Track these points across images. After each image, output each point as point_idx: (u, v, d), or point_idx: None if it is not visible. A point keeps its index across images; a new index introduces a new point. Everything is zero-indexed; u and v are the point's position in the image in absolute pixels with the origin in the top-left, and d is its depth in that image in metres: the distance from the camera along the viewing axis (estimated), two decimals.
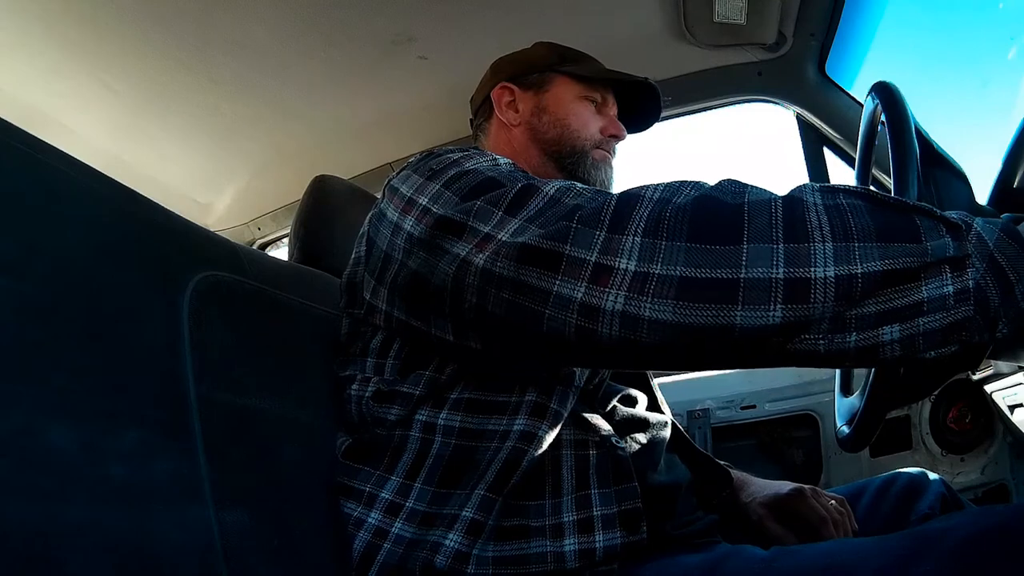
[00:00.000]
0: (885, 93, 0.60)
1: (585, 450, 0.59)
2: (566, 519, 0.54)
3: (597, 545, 0.53)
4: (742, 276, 0.43)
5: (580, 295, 0.47)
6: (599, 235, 0.48)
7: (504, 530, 0.54)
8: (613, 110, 0.91)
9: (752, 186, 0.49)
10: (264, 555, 0.54)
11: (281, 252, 1.99)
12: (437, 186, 0.59)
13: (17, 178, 0.48)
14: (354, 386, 0.66)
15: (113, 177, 0.57)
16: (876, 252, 0.43)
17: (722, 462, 0.84)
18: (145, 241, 0.57)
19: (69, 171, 0.53)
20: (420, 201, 0.60)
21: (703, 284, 0.44)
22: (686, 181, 0.50)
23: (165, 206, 0.62)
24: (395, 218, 0.62)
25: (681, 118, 1.52)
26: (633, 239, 0.46)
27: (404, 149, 1.63)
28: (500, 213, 0.53)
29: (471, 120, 0.97)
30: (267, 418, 0.61)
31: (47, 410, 0.43)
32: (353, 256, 0.70)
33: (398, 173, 0.67)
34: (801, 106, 1.38)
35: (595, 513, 0.55)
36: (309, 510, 0.60)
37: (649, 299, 0.45)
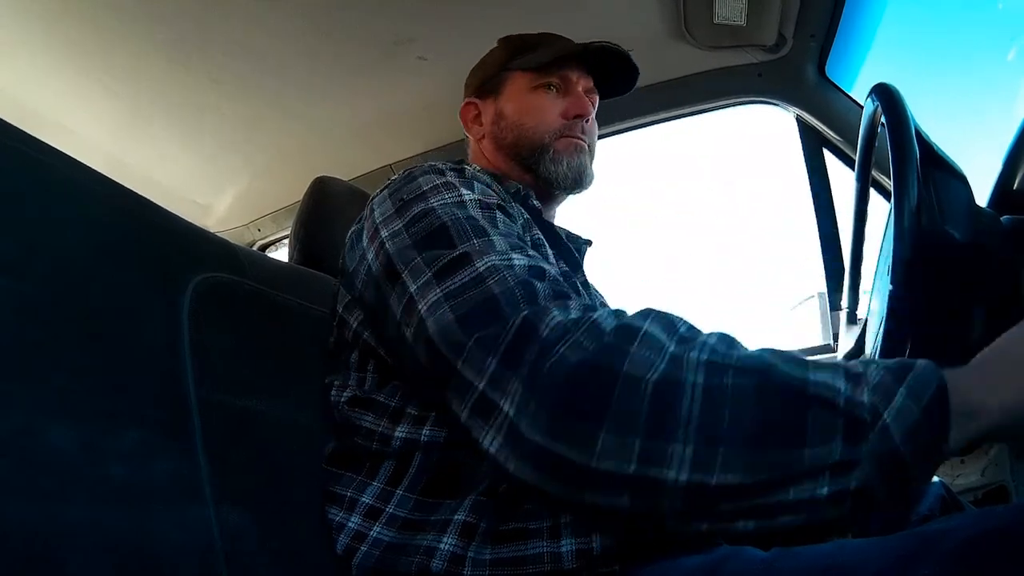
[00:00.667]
0: (885, 95, 0.60)
1: None
2: (563, 519, 0.54)
3: (594, 545, 0.53)
4: (592, 466, 0.43)
5: (464, 416, 0.50)
6: (491, 363, 0.48)
7: (501, 533, 0.54)
8: (579, 86, 0.85)
9: (643, 347, 0.46)
10: (264, 555, 0.53)
11: (281, 253, 1.99)
12: (399, 223, 0.61)
13: (17, 179, 0.48)
14: (333, 392, 0.66)
15: (113, 178, 0.57)
16: (740, 461, 0.41)
17: None
18: (145, 242, 0.57)
19: (69, 172, 0.54)
20: (382, 234, 0.61)
21: (557, 462, 0.45)
22: (602, 320, 0.48)
23: (165, 207, 0.62)
24: (364, 244, 0.64)
25: (681, 120, 1.52)
26: (516, 385, 0.47)
27: (405, 150, 1.63)
28: (429, 275, 0.55)
29: None
30: (266, 419, 0.61)
31: (47, 410, 0.43)
32: (340, 265, 0.71)
33: (381, 190, 0.67)
34: (801, 107, 1.38)
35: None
36: (308, 511, 0.60)
37: (515, 458, 0.47)
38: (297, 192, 1.01)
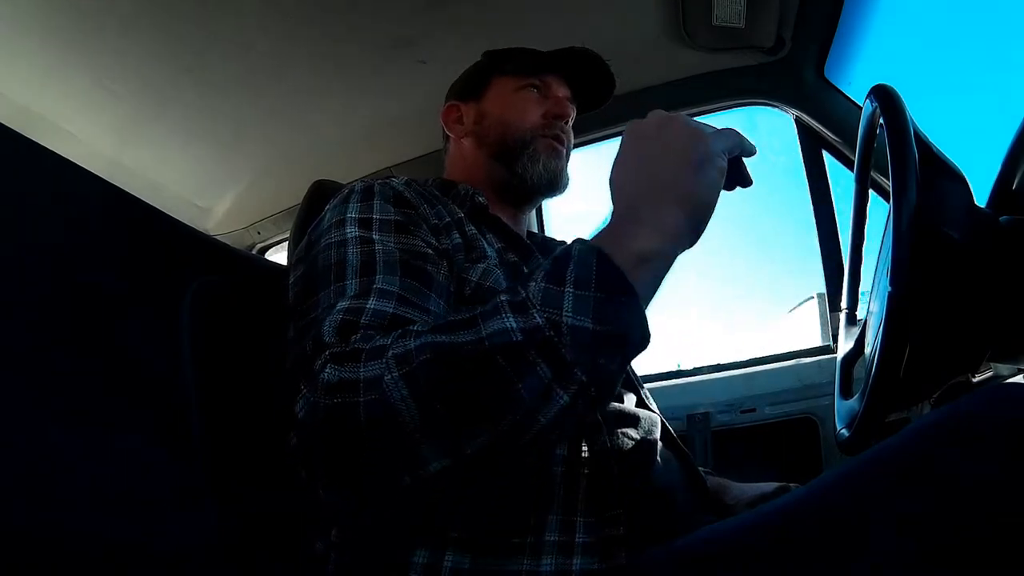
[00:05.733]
0: (884, 96, 0.60)
1: (577, 469, 0.57)
2: (548, 538, 0.54)
3: (575, 568, 0.53)
4: (370, 495, 0.49)
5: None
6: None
7: (483, 546, 0.54)
8: (560, 91, 0.89)
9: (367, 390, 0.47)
10: (264, 555, 0.53)
11: (281, 256, 1.99)
12: (306, 254, 0.64)
13: (18, 182, 0.48)
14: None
15: (113, 182, 0.57)
16: (479, 428, 0.45)
17: (702, 469, 0.83)
18: (145, 245, 0.57)
19: (70, 176, 0.54)
20: (296, 256, 0.66)
21: (344, 496, 0.51)
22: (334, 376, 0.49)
23: (165, 210, 0.62)
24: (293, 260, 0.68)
25: None
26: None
27: (404, 153, 1.63)
28: (293, 325, 0.59)
29: None
30: (266, 420, 0.61)
31: (47, 411, 0.43)
32: None
33: (330, 201, 0.69)
34: (800, 109, 1.39)
35: (577, 540, 0.54)
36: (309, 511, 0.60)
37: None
38: (297, 195, 1.01)
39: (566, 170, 0.87)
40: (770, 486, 0.81)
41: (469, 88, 0.92)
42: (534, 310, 0.45)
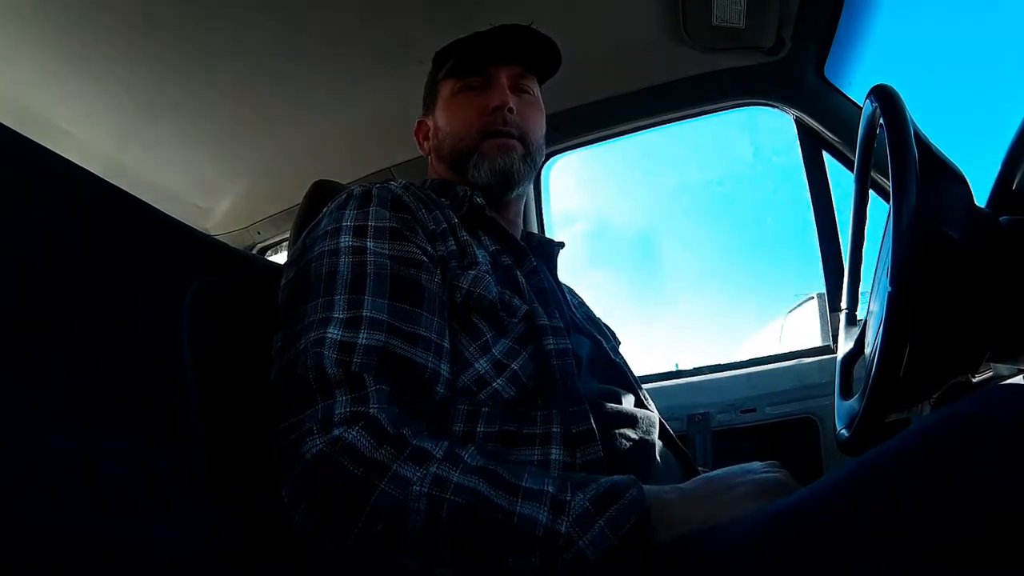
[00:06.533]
0: (884, 96, 0.60)
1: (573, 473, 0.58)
2: None
3: None
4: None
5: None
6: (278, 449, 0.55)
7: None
8: (501, 80, 0.84)
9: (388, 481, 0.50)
10: (264, 555, 0.53)
11: (281, 256, 1.99)
12: (299, 258, 0.65)
13: (18, 183, 0.48)
14: None
15: (113, 182, 0.57)
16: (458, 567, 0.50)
17: (702, 468, 0.83)
18: (145, 245, 0.57)
19: (69, 176, 0.54)
20: (290, 259, 0.68)
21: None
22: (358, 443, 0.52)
23: (165, 210, 0.62)
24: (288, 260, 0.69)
25: (681, 122, 1.52)
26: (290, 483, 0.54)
27: (404, 154, 1.63)
28: (280, 334, 0.61)
29: None
30: (266, 420, 0.61)
31: (46, 411, 0.43)
32: None
33: (330, 205, 0.69)
34: (800, 109, 1.39)
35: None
36: None
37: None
38: (297, 195, 1.01)
39: (521, 163, 0.82)
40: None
41: (427, 100, 0.92)
42: (566, 519, 0.50)
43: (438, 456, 0.52)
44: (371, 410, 0.53)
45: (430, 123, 0.90)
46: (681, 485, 0.57)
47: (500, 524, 0.49)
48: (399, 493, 0.49)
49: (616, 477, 0.54)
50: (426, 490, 0.50)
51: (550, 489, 0.52)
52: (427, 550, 0.50)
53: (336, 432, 0.52)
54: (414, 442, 0.52)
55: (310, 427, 0.52)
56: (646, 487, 0.53)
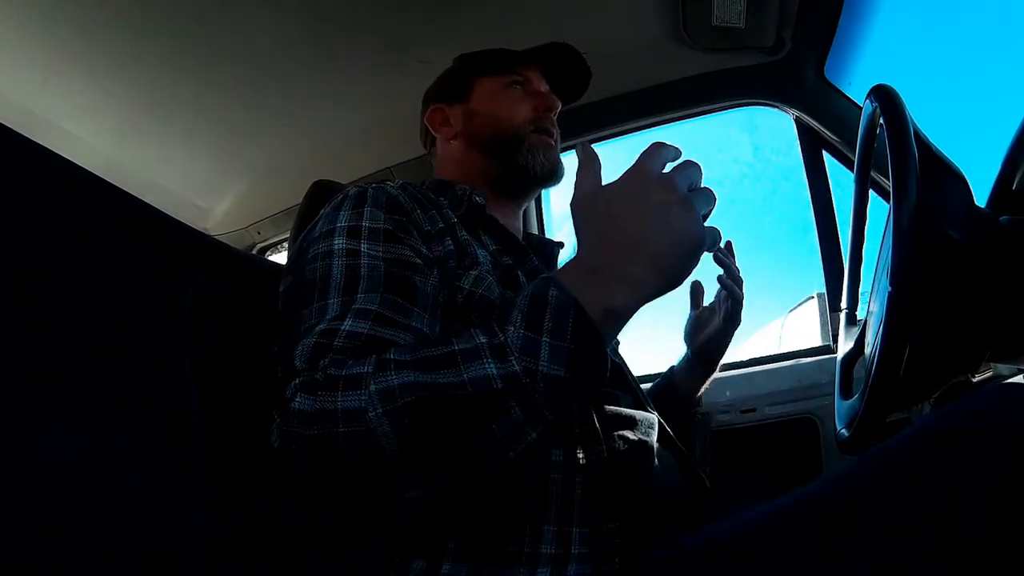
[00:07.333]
0: (884, 96, 0.60)
1: (573, 477, 0.57)
2: (543, 551, 0.54)
3: (570, 574, 0.54)
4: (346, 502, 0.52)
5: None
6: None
7: (480, 555, 0.54)
8: (543, 85, 0.92)
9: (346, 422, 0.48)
10: (264, 555, 0.53)
11: (281, 257, 1.99)
12: (295, 262, 0.64)
13: (18, 183, 0.48)
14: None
15: (113, 181, 0.57)
16: (448, 460, 0.48)
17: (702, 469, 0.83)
18: (145, 245, 0.57)
19: (69, 176, 0.54)
20: (288, 263, 0.67)
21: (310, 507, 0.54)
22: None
23: (165, 210, 0.62)
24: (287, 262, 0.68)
25: (681, 122, 1.52)
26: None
27: (404, 154, 1.63)
28: (282, 341, 0.59)
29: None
30: (266, 420, 0.61)
31: (46, 410, 0.43)
32: None
33: (327, 205, 0.69)
34: (800, 109, 1.39)
35: (573, 551, 0.54)
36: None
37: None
38: (297, 195, 1.01)
39: (561, 160, 0.90)
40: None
41: (452, 91, 0.94)
42: (512, 357, 0.48)
43: (369, 371, 0.49)
44: (314, 375, 0.51)
45: (456, 112, 0.92)
46: (581, 254, 0.53)
47: (459, 399, 0.47)
48: (359, 426, 0.47)
49: (531, 287, 0.52)
50: (380, 409, 0.47)
51: (482, 339, 0.50)
52: (417, 466, 0.47)
53: (286, 408, 0.50)
54: (343, 372, 0.50)
55: (276, 420, 0.51)
56: (558, 275, 0.52)
